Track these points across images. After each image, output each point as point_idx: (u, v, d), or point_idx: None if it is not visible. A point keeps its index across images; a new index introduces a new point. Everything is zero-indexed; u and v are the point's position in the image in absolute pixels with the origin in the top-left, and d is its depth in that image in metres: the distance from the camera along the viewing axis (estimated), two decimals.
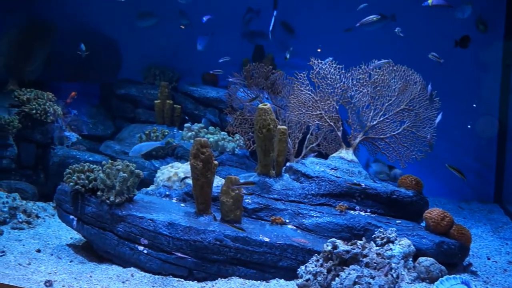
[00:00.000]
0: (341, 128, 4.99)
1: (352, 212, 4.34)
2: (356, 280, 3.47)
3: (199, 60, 7.34)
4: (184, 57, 7.67)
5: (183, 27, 7.20)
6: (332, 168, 4.61)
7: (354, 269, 3.56)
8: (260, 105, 4.36)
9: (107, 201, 4.01)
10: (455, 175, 7.49)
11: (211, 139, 6.26)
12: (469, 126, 7.48)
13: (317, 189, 4.41)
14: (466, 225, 5.70)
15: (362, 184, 4.32)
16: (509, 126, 7.20)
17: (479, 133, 7.40)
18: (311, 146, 5.35)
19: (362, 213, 4.37)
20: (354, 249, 3.68)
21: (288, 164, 4.71)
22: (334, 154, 4.87)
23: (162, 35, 7.43)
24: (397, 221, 4.35)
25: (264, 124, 4.29)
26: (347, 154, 4.81)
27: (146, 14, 7.17)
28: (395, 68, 4.99)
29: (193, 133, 6.34)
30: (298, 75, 5.06)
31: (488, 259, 4.54)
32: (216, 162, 4.11)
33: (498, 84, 7.41)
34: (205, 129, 6.46)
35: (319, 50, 5.92)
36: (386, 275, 3.52)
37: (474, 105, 7.23)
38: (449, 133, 7.42)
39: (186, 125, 6.47)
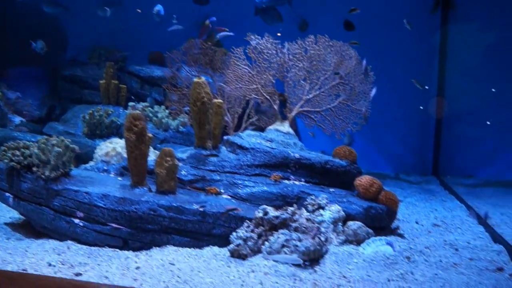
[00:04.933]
0: (277, 101, 5.10)
1: (286, 181, 4.46)
2: (284, 243, 3.61)
3: (146, 40, 7.36)
4: (132, 38, 7.67)
5: (139, 11, 7.23)
6: (267, 140, 4.72)
7: (283, 233, 3.69)
8: (195, 79, 4.42)
9: (42, 176, 4.01)
10: (397, 150, 7.80)
11: (157, 116, 6.31)
12: (421, 107, 7.75)
13: (252, 160, 4.52)
14: (403, 195, 5.98)
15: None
16: (445, 105, 7.50)
17: (420, 111, 7.69)
18: (250, 120, 5.45)
19: (297, 182, 4.50)
20: (283, 214, 3.82)
21: (225, 137, 4.80)
22: (270, 127, 4.98)
23: (109, 16, 7.39)
24: (331, 190, 4.51)
25: (199, 97, 4.36)
26: (283, 126, 4.93)
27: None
28: (331, 43, 5.12)
29: (138, 112, 6.35)
30: (235, 50, 5.14)
31: (417, 223, 4.76)
32: (150, 134, 4.17)
33: (436, 64, 7.70)
34: (150, 108, 6.49)
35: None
36: (313, 238, 3.66)
37: (427, 87, 7.44)
38: (393, 111, 7.69)
39: (130, 103, 6.49)
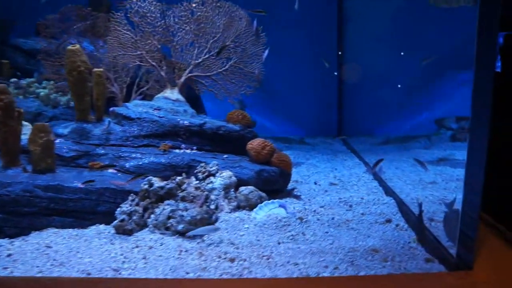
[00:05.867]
0: (165, 67, 4.84)
1: (177, 150, 4.25)
2: (170, 214, 3.42)
3: (34, 10, 6.75)
4: (18, 5, 7.01)
5: None
6: (155, 109, 4.46)
7: (168, 204, 3.50)
8: (69, 47, 4.06)
9: None
10: (302, 115, 7.80)
11: (42, 92, 5.84)
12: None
13: (139, 130, 4.26)
14: (305, 157, 5.94)
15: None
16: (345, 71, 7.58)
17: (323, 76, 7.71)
18: (141, 90, 5.16)
19: (188, 151, 4.29)
20: (168, 184, 3.61)
21: (111, 108, 4.49)
22: (159, 95, 4.72)
23: None
24: (224, 156, 4.34)
25: (74, 66, 4.01)
26: (172, 93, 4.68)
27: None
28: (218, 4, 4.89)
29: (22, 89, 5.85)
30: (115, 15, 4.79)
31: (315, 183, 4.72)
32: (21, 109, 3.80)
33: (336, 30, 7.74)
34: (36, 84, 6.00)
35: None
36: (201, 207, 3.49)
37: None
38: (297, 77, 7.64)
39: (12, 80, 5.95)
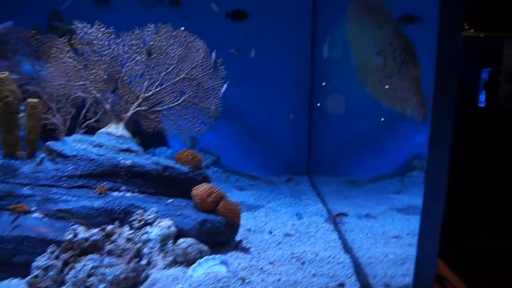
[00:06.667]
0: (110, 100, 4.43)
1: (115, 193, 3.83)
2: (92, 271, 2.98)
3: None
4: None
5: None
6: (95, 145, 4.04)
7: (91, 259, 3.06)
8: None
9: None
10: (269, 151, 7.43)
11: None
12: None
13: (74, 169, 3.83)
14: (267, 199, 5.54)
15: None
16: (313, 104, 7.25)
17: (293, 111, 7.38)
18: (87, 122, 4.74)
19: (128, 194, 3.87)
20: (93, 236, 3.18)
21: (46, 143, 4.06)
22: (102, 130, 4.30)
23: None
24: (169, 200, 3.93)
25: (1, 96, 3.60)
26: (116, 129, 4.27)
27: None
28: (174, 33, 4.54)
29: None
30: (57, 41, 4.39)
31: (270, 233, 4.31)
32: None
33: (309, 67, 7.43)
34: None
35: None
36: (128, 263, 3.07)
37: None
38: (266, 111, 7.30)
39: None
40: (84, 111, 4.77)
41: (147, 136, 4.77)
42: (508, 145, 3.56)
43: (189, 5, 6.84)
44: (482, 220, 3.59)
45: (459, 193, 3.13)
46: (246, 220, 4.62)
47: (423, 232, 2.23)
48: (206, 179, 4.21)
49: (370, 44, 3.26)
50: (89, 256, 3.08)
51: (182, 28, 4.55)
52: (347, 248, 3.85)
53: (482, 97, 4.17)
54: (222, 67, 4.69)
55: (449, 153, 2.23)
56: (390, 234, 4.21)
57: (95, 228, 3.29)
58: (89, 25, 4.33)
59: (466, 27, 4.09)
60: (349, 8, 3.45)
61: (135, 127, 4.71)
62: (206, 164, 6.95)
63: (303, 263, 3.54)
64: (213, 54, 4.66)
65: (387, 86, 3.16)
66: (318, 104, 7.43)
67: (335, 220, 4.58)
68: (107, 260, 3.06)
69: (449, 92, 2.12)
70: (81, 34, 4.31)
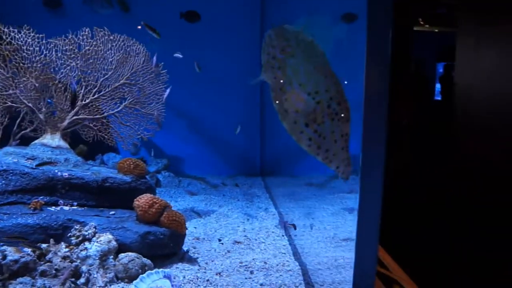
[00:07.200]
0: (44, 109, 4.20)
1: (52, 208, 3.61)
2: None
3: None
4: None
5: None
6: (28, 158, 3.81)
7: (22, 282, 2.86)
8: None
9: None
10: (222, 153, 7.28)
11: None
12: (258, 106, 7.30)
13: (4, 185, 3.59)
14: (219, 204, 5.39)
15: None
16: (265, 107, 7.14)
17: (245, 113, 7.26)
18: (23, 132, 4.49)
19: (67, 207, 3.67)
20: (23, 257, 2.97)
21: None
22: (36, 141, 4.06)
23: None
24: (111, 212, 3.74)
25: None
26: (52, 140, 4.04)
27: None
28: (111, 37, 4.34)
29: None
30: None
31: (219, 240, 4.17)
32: None
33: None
34: None
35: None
36: (63, 284, 2.87)
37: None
38: (220, 113, 7.14)
39: None
40: (18, 120, 4.51)
41: (96, 142, 4.55)
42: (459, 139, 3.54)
43: (136, 11, 6.59)
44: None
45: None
46: (195, 228, 4.48)
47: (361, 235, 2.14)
48: (150, 189, 4.04)
49: (300, 80, 3.15)
50: (20, 279, 2.87)
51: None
52: (296, 255, 3.76)
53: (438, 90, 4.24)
54: (164, 71, 4.53)
55: (384, 152, 2.15)
56: (340, 236, 4.13)
57: (28, 247, 3.09)
58: (15, 30, 4.08)
59: (422, 22, 4.10)
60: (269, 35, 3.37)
61: (79, 134, 4.50)
62: (157, 168, 6.74)
63: (251, 272, 3.43)
64: (154, 58, 4.50)
65: (315, 131, 3.06)
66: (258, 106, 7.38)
67: (285, 225, 4.48)
68: (40, 282, 2.87)
69: (381, 89, 2.04)
70: (8, 40, 4.05)
